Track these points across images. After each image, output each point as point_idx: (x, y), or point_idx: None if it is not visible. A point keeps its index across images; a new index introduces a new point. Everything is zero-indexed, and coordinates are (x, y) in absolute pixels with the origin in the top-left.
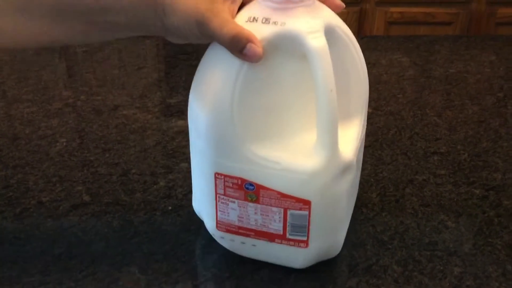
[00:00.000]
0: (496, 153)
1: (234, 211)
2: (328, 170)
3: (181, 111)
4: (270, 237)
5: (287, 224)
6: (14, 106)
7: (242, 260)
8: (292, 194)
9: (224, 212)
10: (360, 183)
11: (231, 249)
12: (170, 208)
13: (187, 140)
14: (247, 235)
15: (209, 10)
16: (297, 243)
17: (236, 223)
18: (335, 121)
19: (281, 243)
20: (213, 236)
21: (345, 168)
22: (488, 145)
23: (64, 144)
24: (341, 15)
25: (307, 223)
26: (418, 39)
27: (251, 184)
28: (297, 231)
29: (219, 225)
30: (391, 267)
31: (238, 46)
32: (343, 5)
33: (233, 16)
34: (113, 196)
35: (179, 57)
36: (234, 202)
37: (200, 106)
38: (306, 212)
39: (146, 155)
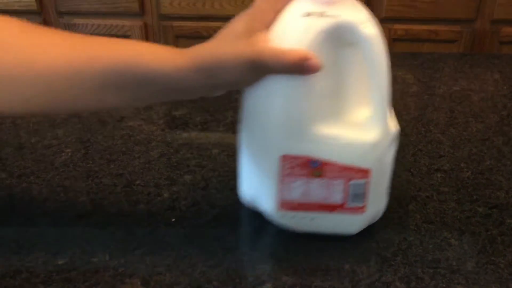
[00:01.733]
0: (500, 171)
1: (298, 189)
2: (383, 140)
3: (186, 123)
4: (331, 208)
5: (348, 193)
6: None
7: (244, 275)
8: (354, 165)
9: (288, 191)
10: None
11: (289, 227)
12: (173, 220)
13: (192, 153)
14: (309, 210)
15: (256, 52)
16: (355, 210)
17: (299, 200)
18: (389, 98)
19: (340, 212)
20: (270, 218)
21: (393, 138)
22: (492, 163)
23: (69, 154)
24: None
25: (365, 191)
26: (422, 56)
27: (316, 161)
28: (356, 199)
29: (281, 204)
30: (394, 284)
31: (301, 69)
32: None
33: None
34: (117, 207)
35: None
36: (298, 180)
37: (269, 99)
38: (365, 181)
39: (150, 166)
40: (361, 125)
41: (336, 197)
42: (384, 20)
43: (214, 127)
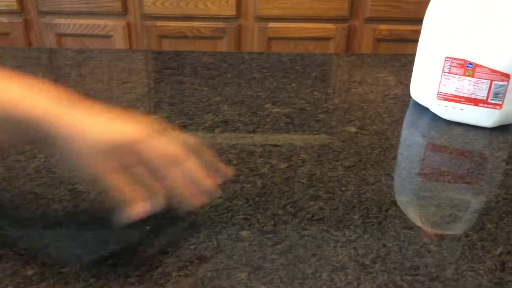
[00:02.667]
0: (480, 175)
1: (453, 84)
2: None
3: (164, 127)
4: (476, 102)
5: (491, 91)
6: None
7: (219, 285)
8: (499, 70)
9: (446, 85)
10: (343, 204)
11: (442, 114)
12: (148, 228)
13: None
14: (459, 101)
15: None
16: (494, 106)
17: (453, 93)
18: None
19: (483, 106)
20: (430, 107)
21: None
22: (472, 167)
23: (43, 160)
24: (330, 31)
25: (504, 91)
26: (404, 58)
27: (470, 63)
28: (496, 97)
29: (439, 95)
30: None
31: None
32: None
33: None
34: (90, 215)
35: (164, 72)
36: (455, 77)
37: (441, 18)
38: (506, 83)
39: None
40: (508, 39)
41: (481, 93)
42: (368, 21)
43: (193, 131)
